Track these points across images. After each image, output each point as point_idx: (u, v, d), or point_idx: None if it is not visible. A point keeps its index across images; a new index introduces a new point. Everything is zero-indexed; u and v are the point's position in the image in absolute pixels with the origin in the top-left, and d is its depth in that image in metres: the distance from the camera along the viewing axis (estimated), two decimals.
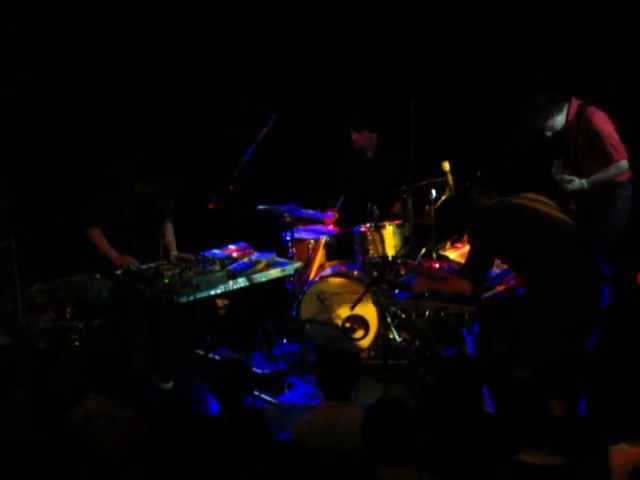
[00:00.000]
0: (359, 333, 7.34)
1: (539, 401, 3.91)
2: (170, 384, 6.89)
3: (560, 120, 7.05)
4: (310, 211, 8.12)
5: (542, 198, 5.72)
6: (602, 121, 6.99)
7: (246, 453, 4.10)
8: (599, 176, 6.96)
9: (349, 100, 8.65)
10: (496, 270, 6.30)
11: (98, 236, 6.88)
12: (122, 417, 4.52)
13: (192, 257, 6.94)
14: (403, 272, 7.11)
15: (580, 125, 7.03)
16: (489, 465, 3.91)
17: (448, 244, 7.30)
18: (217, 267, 6.76)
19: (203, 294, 6.54)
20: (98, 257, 6.88)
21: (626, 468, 3.75)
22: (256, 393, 6.44)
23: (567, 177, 6.99)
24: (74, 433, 4.34)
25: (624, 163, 6.97)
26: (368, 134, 8.26)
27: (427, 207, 7.40)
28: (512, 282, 6.28)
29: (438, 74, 8.46)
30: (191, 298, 6.39)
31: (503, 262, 6.11)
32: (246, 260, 6.97)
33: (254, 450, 4.10)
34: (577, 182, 6.95)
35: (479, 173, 6.91)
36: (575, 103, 7.06)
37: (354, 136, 8.30)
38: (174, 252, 7.09)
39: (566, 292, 5.30)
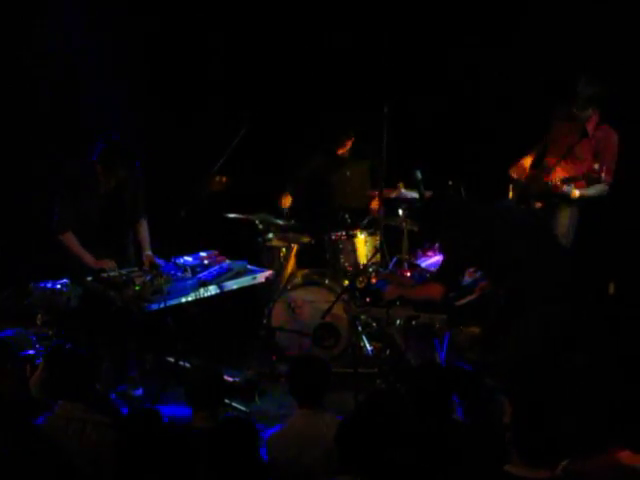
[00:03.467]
0: (330, 341, 7.32)
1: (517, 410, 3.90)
2: (139, 391, 6.86)
3: (586, 115, 7.11)
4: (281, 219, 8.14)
5: (518, 205, 5.76)
6: (615, 141, 7.10)
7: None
8: (590, 191, 7.01)
9: (323, 107, 8.66)
10: (468, 278, 6.33)
11: (71, 240, 6.77)
12: (91, 422, 4.49)
13: (162, 263, 6.91)
14: (374, 280, 7.13)
15: (596, 134, 7.11)
16: (471, 476, 3.91)
17: (419, 253, 7.33)
18: (188, 274, 6.75)
19: (174, 301, 6.51)
20: (69, 263, 6.82)
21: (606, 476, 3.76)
22: (227, 401, 6.43)
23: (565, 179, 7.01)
24: (41, 439, 4.30)
25: (607, 188, 7.05)
26: (350, 141, 8.34)
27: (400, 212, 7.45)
28: (482, 290, 6.33)
29: (411, 81, 8.48)
30: (162, 305, 6.36)
31: (479, 269, 6.13)
32: (217, 267, 6.95)
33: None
34: (570, 188, 6.98)
35: (451, 182, 6.95)
36: (597, 113, 7.15)
37: (347, 144, 8.36)
38: (147, 252, 7.03)
39: (545, 298, 5.32)
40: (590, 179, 6.96)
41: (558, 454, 3.73)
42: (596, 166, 6.95)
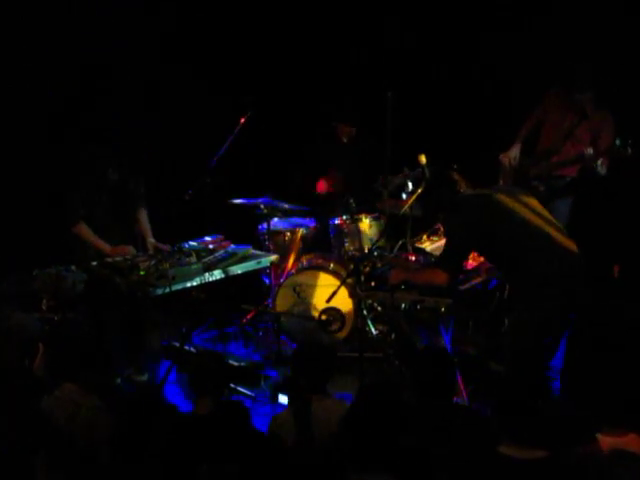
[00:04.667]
0: (335, 326, 7.33)
1: (514, 392, 3.90)
2: (145, 376, 6.87)
3: (587, 98, 7.13)
4: (286, 204, 8.13)
5: (518, 190, 5.73)
6: (613, 122, 7.12)
7: (222, 447, 4.08)
8: (602, 170, 7.01)
9: (326, 92, 8.65)
10: (472, 263, 6.33)
11: (85, 230, 6.89)
12: (86, 405, 4.50)
13: (167, 248, 6.93)
14: (379, 265, 7.12)
15: (595, 115, 7.16)
16: (469, 457, 3.90)
17: (424, 237, 7.32)
18: (193, 259, 6.75)
19: (179, 286, 6.52)
20: (74, 248, 6.87)
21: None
22: (232, 386, 6.45)
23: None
24: (42, 420, 4.33)
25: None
26: (351, 128, 8.35)
27: (404, 197, 7.45)
28: (487, 274, 6.32)
29: (415, 66, 8.46)
30: (167, 290, 6.37)
31: (481, 254, 6.12)
32: (222, 252, 6.96)
33: (231, 444, 4.08)
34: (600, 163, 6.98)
35: (455, 166, 6.92)
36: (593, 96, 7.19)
37: (341, 127, 8.36)
38: (150, 239, 7.08)
39: (544, 284, 5.31)
40: (582, 160, 7.01)
41: (553, 436, 3.73)
42: (590, 150, 6.95)
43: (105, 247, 6.85)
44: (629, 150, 6.75)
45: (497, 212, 5.50)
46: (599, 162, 6.90)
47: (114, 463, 4.09)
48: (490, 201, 5.59)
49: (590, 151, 6.95)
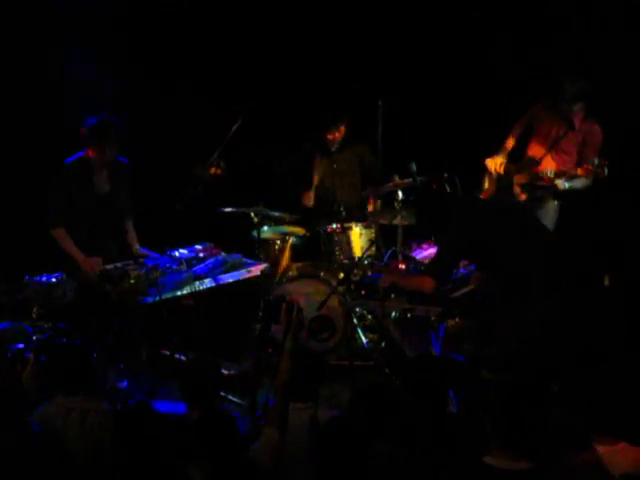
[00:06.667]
0: (325, 334, 7.33)
1: (505, 402, 3.88)
2: (124, 383, 6.82)
3: (576, 109, 7.15)
4: (277, 212, 8.13)
5: (509, 199, 5.76)
6: (600, 135, 7.18)
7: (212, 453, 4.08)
8: (577, 184, 7.02)
9: (317, 100, 8.65)
10: (463, 270, 6.33)
11: (63, 236, 6.86)
12: (93, 410, 4.50)
13: (157, 256, 6.93)
14: (370, 273, 7.13)
15: (582, 127, 7.20)
16: (454, 467, 3.89)
17: (414, 245, 7.34)
18: (183, 267, 6.74)
19: (169, 295, 6.51)
20: (64, 256, 6.86)
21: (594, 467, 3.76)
22: (223, 394, 6.43)
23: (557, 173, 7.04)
24: (43, 430, 4.31)
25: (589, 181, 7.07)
26: (343, 127, 8.29)
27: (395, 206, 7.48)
28: (477, 282, 6.33)
29: (405, 75, 8.47)
30: (157, 299, 6.36)
31: (472, 262, 6.13)
32: (212, 260, 6.95)
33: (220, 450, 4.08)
34: (561, 181, 7.00)
35: (446, 174, 6.95)
36: (583, 108, 7.20)
37: (333, 135, 8.29)
38: (136, 246, 7.09)
39: (536, 292, 5.32)
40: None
41: (539, 446, 3.71)
42: (548, 171, 7.01)
43: (79, 257, 6.82)
44: (605, 171, 6.78)
45: (489, 224, 5.51)
46: (559, 181, 6.94)
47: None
48: (483, 210, 5.60)
49: (549, 172, 6.99)
